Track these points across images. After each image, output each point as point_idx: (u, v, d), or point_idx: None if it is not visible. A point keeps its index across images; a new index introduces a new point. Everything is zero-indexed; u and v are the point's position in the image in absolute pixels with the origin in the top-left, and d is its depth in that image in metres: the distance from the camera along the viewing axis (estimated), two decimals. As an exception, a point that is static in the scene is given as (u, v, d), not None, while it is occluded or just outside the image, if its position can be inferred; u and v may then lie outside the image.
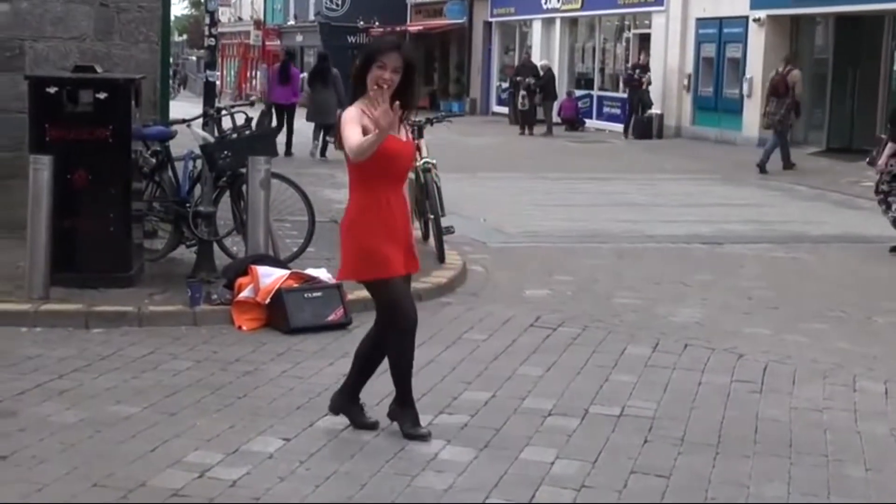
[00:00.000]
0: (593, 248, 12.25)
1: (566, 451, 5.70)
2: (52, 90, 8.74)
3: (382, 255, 5.59)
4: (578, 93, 34.34)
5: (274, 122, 20.70)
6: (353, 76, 5.68)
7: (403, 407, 5.86)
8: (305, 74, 23.50)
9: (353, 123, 5.50)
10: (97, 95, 8.73)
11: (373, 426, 5.92)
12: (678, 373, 7.26)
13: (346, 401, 5.98)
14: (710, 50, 28.82)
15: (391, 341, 5.77)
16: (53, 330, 7.83)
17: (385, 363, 5.92)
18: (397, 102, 5.40)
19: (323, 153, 21.53)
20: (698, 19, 29.12)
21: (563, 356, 7.59)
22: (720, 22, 28.17)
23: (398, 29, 43.90)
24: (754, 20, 26.71)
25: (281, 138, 21.36)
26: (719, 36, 28.34)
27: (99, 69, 9.48)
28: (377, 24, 46.49)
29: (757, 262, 11.59)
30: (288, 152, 21.49)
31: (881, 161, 12.28)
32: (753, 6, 26.69)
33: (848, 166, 21.03)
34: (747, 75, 26.90)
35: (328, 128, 20.91)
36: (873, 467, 5.65)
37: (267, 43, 59.61)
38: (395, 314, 5.69)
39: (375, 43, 5.72)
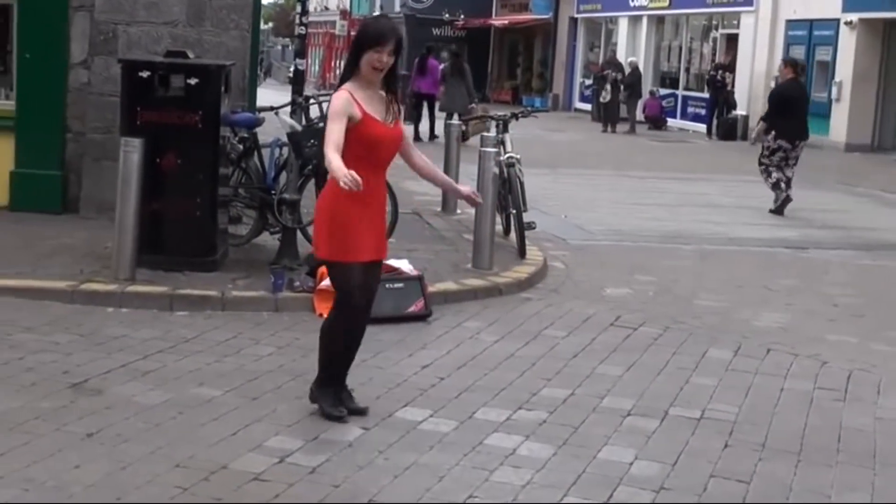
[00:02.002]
0: (675, 248, 12.15)
1: (645, 452, 5.66)
2: (144, 74, 8.84)
3: (353, 239, 5.65)
4: (663, 92, 34.08)
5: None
6: (347, 57, 5.79)
7: (325, 386, 5.92)
8: (444, 66, 25.01)
9: (340, 117, 5.55)
10: (188, 81, 8.81)
11: (362, 412, 5.94)
12: (760, 378, 7.18)
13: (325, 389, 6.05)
14: (798, 52, 28.40)
15: (330, 320, 5.89)
16: (138, 311, 7.93)
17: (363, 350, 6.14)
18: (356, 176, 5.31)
19: (433, 136, 23.71)
20: (788, 21, 28.76)
21: (644, 356, 7.54)
22: (810, 24, 27.80)
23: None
24: (846, 23, 26.30)
25: (423, 127, 24.30)
26: (809, 38, 27.96)
27: (190, 55, 9.58)
28: (462, 17, 46.51)
29: (843, 269, 11.42)
30: (432, 137, 23.94)
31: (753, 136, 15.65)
32: (845, 8, 26.28)
33: (938, 174, 20.62)
34: (836, 79, 26.52)
35: (452, 115, 22.28)
36: (960, 482, 5.55)
37: (352, 33, 59.89)
38: (344, 297, 5.78)
39: (374, 27, 5.74)
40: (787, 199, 14.89)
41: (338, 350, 5.91)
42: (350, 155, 5.53)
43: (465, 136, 22.23)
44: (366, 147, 5.64)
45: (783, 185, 14.97)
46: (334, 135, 5.51)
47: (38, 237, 9.85)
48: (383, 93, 5.79)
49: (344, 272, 5.75)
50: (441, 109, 23.26)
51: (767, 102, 15.22)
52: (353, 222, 5.66)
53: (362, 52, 5.66)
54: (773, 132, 15.11)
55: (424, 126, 24.50)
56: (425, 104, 24.67)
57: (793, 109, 15.03)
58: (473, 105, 23.39)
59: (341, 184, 5.25)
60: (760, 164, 15.33)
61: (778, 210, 14.92)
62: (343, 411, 5.88)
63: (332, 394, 5.93)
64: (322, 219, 5.76)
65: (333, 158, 5.38)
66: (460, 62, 24.30)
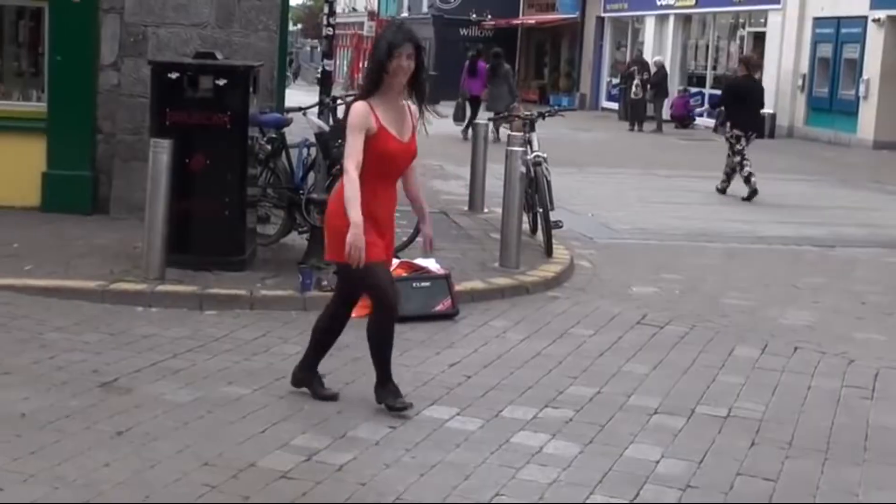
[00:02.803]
0: (702, 247, 12.10)
1: (672, 450, 5.63)
2: (173, 75, 8.87)
3: (366, 241, 5.65)
4: (691, 90, 33.88)
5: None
6: (371, 69, 5.75)
7: (385, 385, 6.01)
8: (487, 67, 25.82)
9: (358, 130, 5.62)
10: (217, 82, 8.83)
11: (332, 397, 6.13)
12: (787, 376, 7.13)
13: (306, 374, 6.22)
14: (826, 50, 28.29)
15: (374, 321, 5.96)
16: (168, 310, 7.96)
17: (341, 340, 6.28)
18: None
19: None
20: (815, 18, 28.60)
21: (670, 355, 7.50)
22: (838, 22, 27.63)
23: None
24: (874, 20, 26.15)
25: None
26: (836, 36, 27.79)
27: (219, 56, 9.60)
28: (490, 17, 46.48)
29: (870, 267, 11.34)
30: (465, 135, 24.00)
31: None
32: (873, 6, 26.12)
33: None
34: (864, 76, 26.36)
35: (499, 114, 24.02)
36: None
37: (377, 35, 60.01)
38: (380, 295, 5.84)
39: (388, 35, 5.75)
40: (755, 191, 16.19)
41: (391, 338, 5.99)
42: (365, 167, 5.63)
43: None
44: (378, 160, 5.71)
45: (755, 178, 16.24)
46: (354, 151, 5.61)
47: (68, 237, 9.91)
48: (406, 103, 5.82)
49: (370, 272, 5.75)
50: (487, 109, 23.90)
51: (721, 94, 17.47)
52: (366, 225, 5.67)
53: (381, 62, 5.69)
54: (728, 123, 16.89)
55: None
56: (471, 103, 25.57)
57: (746, 103, 16.63)
58: (516, 104, 24.01)
59: (348, 238, 5.51)
60: (734, 156, 16.65)
61: (750, 196, 16.14)
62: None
63: (387, 390, 6.01)
64: (337, 224, 5.75)
65: (352, 203, 5.52)
66: (502, 63, 25.24)
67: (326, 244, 5.97)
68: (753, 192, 16.13)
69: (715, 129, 18.49)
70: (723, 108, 17.68)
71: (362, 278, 5.83)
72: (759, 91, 17.47)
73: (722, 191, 16.89)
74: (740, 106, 16.70)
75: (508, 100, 24.26)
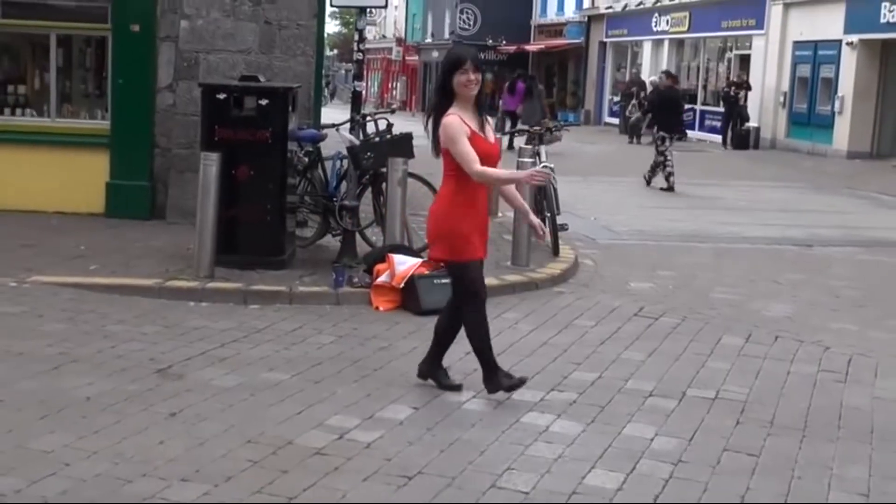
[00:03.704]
0: (694, 247, 12.04)
1: (665, 428, 5.60)
2: (221, 96, 8.89)
3: (471, 241, 5.70)
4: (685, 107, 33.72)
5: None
6: (437, 87, 5.76)
7: (492, 373, 5.91)
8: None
9: (462, 135, 5.58)
10: (259, 102, 8.85)
11: (457, 388, 6.03)
12: (769, 362, 7.08)
13: (431, 367, 6.14)
14: (805, 70, 28.11)
15: (469, 315, 5.87)
16: (216, 305, 7.97)
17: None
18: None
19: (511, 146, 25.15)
20: (795, 42, 28.42)
21: (664, 343, 7.47)
22: (815, 45, 27.45)
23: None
24: (847, 44, 25.97)
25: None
26: (814, 57, 27.60)
27: (262, 78, 9.62)
28: (504, 42, 46.41)
29: (844, 264, 11.26)
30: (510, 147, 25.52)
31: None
32: (847, 30, 25.95)
33: (931, 178, 20.28)
34: (839, 94, 26.17)
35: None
36: (950, 456, 5.43)
37: (406, 58, 60.01)
38: (476, 290, 5.81)
39: (453, 54, 5.76)
40: (672, 185, 17.35)
41: (487, 328, 5.92)
42: (458, 169, 5.61)
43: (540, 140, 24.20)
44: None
45: (673, 178, 17.36)
46: (472, 153, 5.56)
47: (129, 240, 9.94)
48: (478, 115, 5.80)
49: (469, 270, 5.76)
50: (522, 123, 24.45)
51: (648, 102, 19.19)
52: (468, 226, 5.70)
53: (451, 77, 5.65)
54: (656, 126, 17.85)
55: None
56: (510, 118, 26.44)
57: (671, 109, 17.85)
58: (545, 119, 24.27)
59: (537, 179, 5.74)
60: (661, 156, 17.48)
61: (670, 188, 17.30)
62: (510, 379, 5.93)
63: (497, 376, 5.93)
64: (443, 228, 5.74)
65: (493, 172, 5.62)
66: (535, 83, 27.16)
67: (435, 247, 5.88)
68: (670, 188, 17.15)
69: (643, 132, 19.99)
70: (650, 113, 19.28)
71: (460, 275, 5.80)
72: (680, 99, 18.98)
73: (647, 181, 17.86)
74: (665, 112, 17.59)
75: (539, 115, 24.90)
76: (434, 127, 5.72)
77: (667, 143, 17.33)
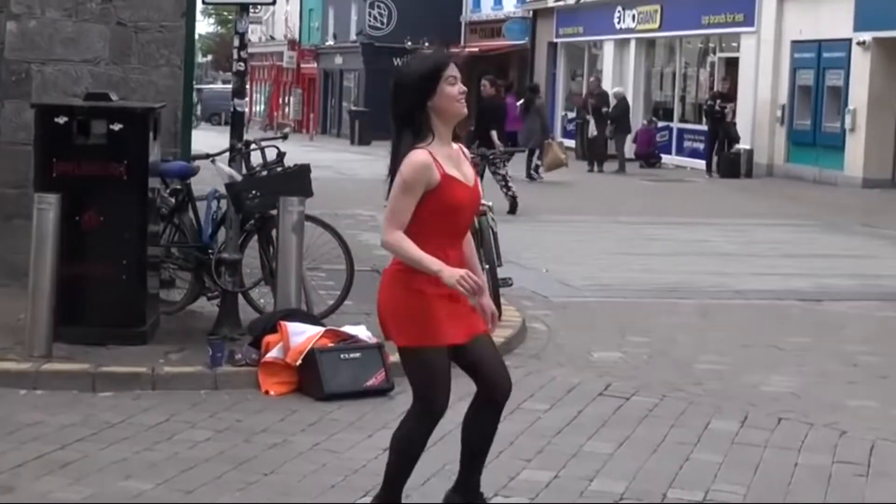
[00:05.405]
0: (672, 303, 12.17)
1: (640, 542, 5.63)
2: (60, 120, 8.81)
3: (434, 317, 5.23)
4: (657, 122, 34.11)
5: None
6: (406, 108, 5.25)
7: (390, 499, 5.51)
8: (521, 102, 27.65)
9: (414, 190, 5.14)
10: (111, 126, 8.79)
11: None
12: (770, 452, 7.16)
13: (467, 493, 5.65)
14: (806, 77, 28.66)
15: (407, 428, 5.46)
16: (56, 393, 7.85)
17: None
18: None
19: (531, 175, 26.31)
20: (794, 42, 29.00)
21: (638, 430, 7.50)
22: (819, 45, 28.02)
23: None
24: (858, 43, 26.52)
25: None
26: (818, 61, 28.18)
27: (114, 96, 9.57)
28: (427, 45, 46.75)
29: (862, 323, 11.45)
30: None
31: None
32: (858, 27, 26.49)
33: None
34: (850, 106, 26.72)
35: (532, 151, 25.99)
36: None
37: (302, 65, 60.22)
38: (430, 397, 5.38)
39: (429, 61, 5.34)
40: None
41: (418, 452, 5.48)
42: (425, 224, 5.20)
43: (535, 170, 26.42)
44: (444, 216, 5.24)
45: (517, 200, 19.21)
46: (401, 212, 5.15)
47: (-60, 309, 9.77)
48: (454, 144, 5.39)
49: (424, 362, 5.30)
50: (521, 145, 25.38)
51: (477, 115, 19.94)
52: (429, 298, 5.21)
53: (430, 92, 5.22)
54: (477, 142, 18.30)
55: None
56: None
57: (491, 122, 19.30)
58: (549, 141, 26.21)
59: (460, 289, 5.08)
60: (499, 175, 19.04)
61: (513, 210, 19.09)
62: None
63: None
64: (395, 299, 5.29)
65: (408, 249, 5.11)
66: (532, 97, 27.20)
67: (387, 326, 5.39)
68: (512, 211, 19.04)
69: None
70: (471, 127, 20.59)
71: (412, 368, 5.37)
72: (503, 110, 20.80)
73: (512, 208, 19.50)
74: (485, 125, 18.98)
75: (540, 137, 25.71)
76: (394, 166, 5.24)
77: (498, 161, 18.71)
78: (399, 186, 5.19)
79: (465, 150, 5.50)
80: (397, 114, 5.30)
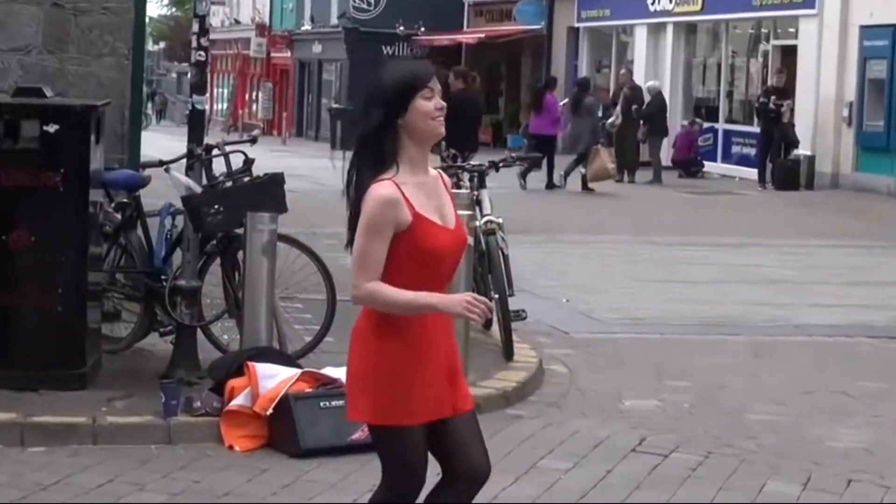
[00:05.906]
0: (719, 341, 12.17)
1: None
2: (-16, 120, 8.85)
3: (410, 392, 5.16)
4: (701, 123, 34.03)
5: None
6: (367, 132, 5.17)
7: None
8: (566, 101, 28.08)
9: (382, 232, 5.06)
10: (45, 128, 8.80)
11: None
12: (839, 520, 7.16)
13: None
14: (879, 69, 28.66)
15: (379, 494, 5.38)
16: (-24, 449, 7.87)
17: None
18: None
19: (552, 184, 26.98)
20: (863, 27, 29.00)
21: (679, 494, 7.52)
22: (893, 30, 28.03)
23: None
24: (941, 28, 26.59)
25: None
26: (892, 50, 28.19)
27: (48, 92, 9.56)
28: (423, 29, 46.85)
29: (947, 364, 11.46)
30: (549, 185, 27.14)
31: None
32: (941, 9, 26.56)
33: None
34: (930, 103, 26.77)
35: (581, 157, 26.72)
36: None
37: (273, 54, 60.28)
38: (401, 475, 5.28)
39: (406, 72, 5.28)
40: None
41: None
42: (400, 274, 5.10)
43: (584, 183, 26.83)
44: (419, 264, 5.14)
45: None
46: (373, 261, 5.07)
47: None
48: (432, 170, 5.32)
49: (398, 438, 5.21)
50: (569, 151, 26.04)
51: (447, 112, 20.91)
52: (403, 368, 5.14)
53: (400, 110, 5.15)
54: (444, 142, 17.95)
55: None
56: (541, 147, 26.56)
57: (460, 119, 18.34)
58: (598, 147, 26.37)
59: (473, 314, 5.04)
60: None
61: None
62: None
63: None
64: (362, 365, 5.23)
65: (391, 295, 5.04)
66: (581, 95, 27.77)
67: (352, 398, 5.32)
68: None
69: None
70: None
71: (385, 443, 5.26)
72: (474, 106, 20.94)
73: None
74: (455, 123, 19.07)
75: (590, 140, 26.08)
76: (356, 200, 5.17)
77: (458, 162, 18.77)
78: (363, 228, 5.10)
79: (446, 177, 5.41)
80: (360, 132, 5.22)
